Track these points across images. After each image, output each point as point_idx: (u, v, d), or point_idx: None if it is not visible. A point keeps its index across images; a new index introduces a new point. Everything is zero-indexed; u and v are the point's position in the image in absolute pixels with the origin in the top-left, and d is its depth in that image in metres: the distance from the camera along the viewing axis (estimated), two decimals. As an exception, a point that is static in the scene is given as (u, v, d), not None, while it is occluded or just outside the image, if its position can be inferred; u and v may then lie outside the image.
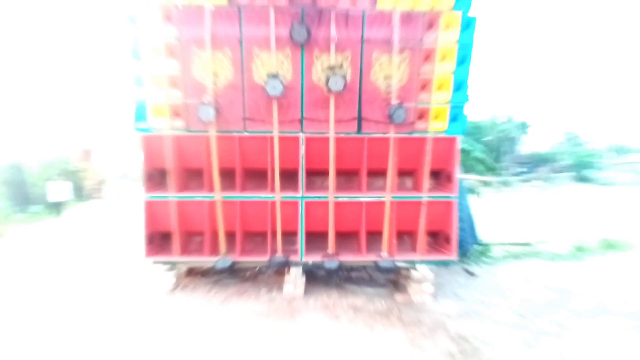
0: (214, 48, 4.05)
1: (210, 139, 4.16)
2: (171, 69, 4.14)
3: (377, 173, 4.77)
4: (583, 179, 34.18)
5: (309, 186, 4.67)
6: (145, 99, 4.21)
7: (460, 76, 4.25)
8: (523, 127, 33.11)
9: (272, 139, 4.23)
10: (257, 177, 4.75)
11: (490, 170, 7.10)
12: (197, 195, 4.46)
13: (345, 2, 4.04)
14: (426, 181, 4.35)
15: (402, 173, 4.65)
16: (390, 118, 4.06)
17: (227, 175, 4.66)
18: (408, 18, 4.09)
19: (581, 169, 34.82)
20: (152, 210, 4.46)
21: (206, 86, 4.08)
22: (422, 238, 4.40)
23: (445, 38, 4.09)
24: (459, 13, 4.06)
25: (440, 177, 4.80)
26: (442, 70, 4.19)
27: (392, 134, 4.20)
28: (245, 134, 4.31)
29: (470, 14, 4.15)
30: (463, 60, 4.24)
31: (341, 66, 4.07)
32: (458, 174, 4.45)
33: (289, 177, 4.48)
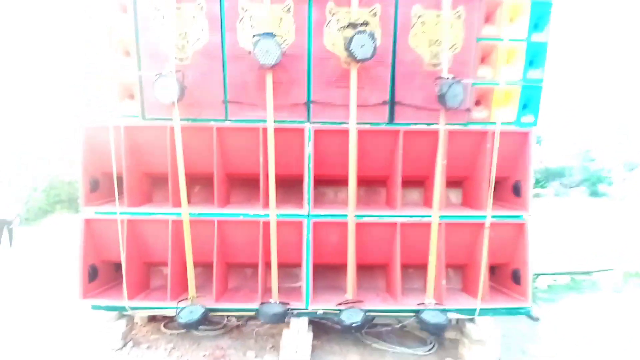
0: None
1: (174, 129, 2.86)
2: (123, 30, 2.90)
3: (412, 182, 3.47)
4: (595, 194, 32.97)
5: (318, 200, 3.36)
6: (88, 74, 2.99)
7: (536, 45, 2.99)
8: (537, 140, 32.04)
9: (265, 131, 2.93)
10: (244, 186, 3.47)
11: (535, 183, 5.83)
12: (158, 212, 3.13)
13: None
14: (490, 194, 3.01)
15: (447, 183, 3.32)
16: (441, 99, 2.75)
17: (204, 184, 3.39)
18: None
19: (593, 184, 33.65)
20: (93, 232, 3.14)
21: (169, 53, 2.79)
22: (484, 277, 3.03)
23: (517, -13, 2.85)
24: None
25: (500, 188, 3.47)
26: (512, 35, 2.93)
27: (442, 125, 2.88)
28: (227, 123, 3.01)
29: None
30: (539, 21, 2.99)
31: (366, 25, 2.79)
32: (532, 185, 3.13)
33: (289, 187, 3.38)
